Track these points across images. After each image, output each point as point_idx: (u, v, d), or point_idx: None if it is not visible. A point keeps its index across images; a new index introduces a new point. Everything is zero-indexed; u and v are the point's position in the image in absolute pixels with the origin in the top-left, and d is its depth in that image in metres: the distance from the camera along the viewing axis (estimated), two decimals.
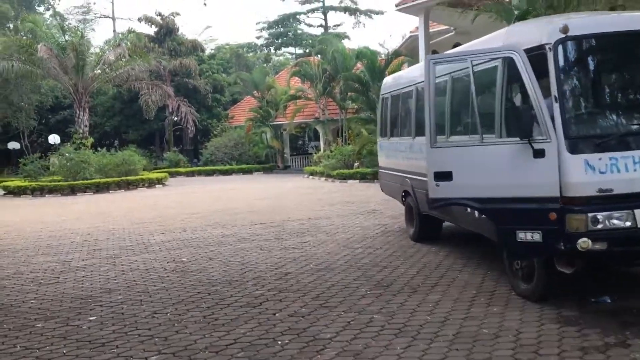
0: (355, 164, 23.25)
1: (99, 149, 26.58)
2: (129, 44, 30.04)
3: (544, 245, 4.88)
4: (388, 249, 8.50)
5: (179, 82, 35.52)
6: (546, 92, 4.90)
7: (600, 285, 5.86)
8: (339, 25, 55.53)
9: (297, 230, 10.70)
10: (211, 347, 4.72)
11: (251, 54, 54.79)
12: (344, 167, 23.25)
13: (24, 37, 29.24)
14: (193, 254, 8.85)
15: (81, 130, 27.60)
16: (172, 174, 30.08)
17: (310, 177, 25.67)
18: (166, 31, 37.43)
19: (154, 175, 26.20)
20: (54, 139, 30.04)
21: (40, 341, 5.13)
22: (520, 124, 4.75)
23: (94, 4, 65.92)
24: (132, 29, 33.46)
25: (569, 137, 4.71)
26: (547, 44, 4.91)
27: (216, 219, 12.88)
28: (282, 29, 54.11)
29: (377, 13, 52.50)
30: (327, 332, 4.93)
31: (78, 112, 28.37)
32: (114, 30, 44.63)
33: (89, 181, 23.01)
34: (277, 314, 5.51)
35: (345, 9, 52.38)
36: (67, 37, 28.43)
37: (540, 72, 4.91)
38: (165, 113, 35.43)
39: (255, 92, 33.14)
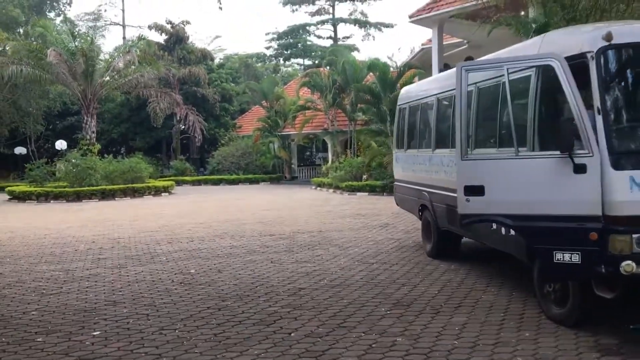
0: (364, 177, 22.93)
1: (105, 155, 26.33)
2: (138, 51, 29.86)
3: (583, 268, 4.54)
4: (404, 265, 8.15)
5: (187, 91, 35.39)
6: (586, 103, 4.59)
7: (636, 310, 5.48)
8: (348, 37, 55.62)
9: (308, 243, 10.37)
10: None
11: (260, 64, 54.76)
12: (352, 179, 22.93)
13: (34, 42, 29.11)
14: (201, 266, 8.52)
15: (88, 137, 27.39)
16: (178, 183, 29.80)
17: (318, 188, 25.35)
18: (176, 39, 37.37)
19: (160, 183, 25.93)
20: (60, 144, 29.86)
21: (40, 357, 4.80)
22: (561, 136, 4.43)
23: (105, 11, 66.49)
24: (142, 35, 33.42)
25: (613, 151, 4.39)
26: (589, 52, 4.61)
27: (224, 230, 12.56)
28: (291, 40, 54.04)
29: (387, 26, 52.41)
30: (348, 356, 4.58)
31: (86, 118, 28.18)
32: (124, 38, 44.65)
33: (94, 188, 22.75)
34: (292, 334, 5.17)
35: (356, 22, 52.28)
36: (77, 43, 28.30)
37: (580, 82, 4.60)
38: (172, 121, 35.26)
39: (263, 102, 32.94)
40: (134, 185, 23.99)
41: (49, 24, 30.28)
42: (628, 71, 4.84)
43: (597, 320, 5.11)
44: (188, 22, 38.42)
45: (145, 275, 7.96)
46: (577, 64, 4.68)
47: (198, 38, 71.82)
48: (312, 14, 52.64)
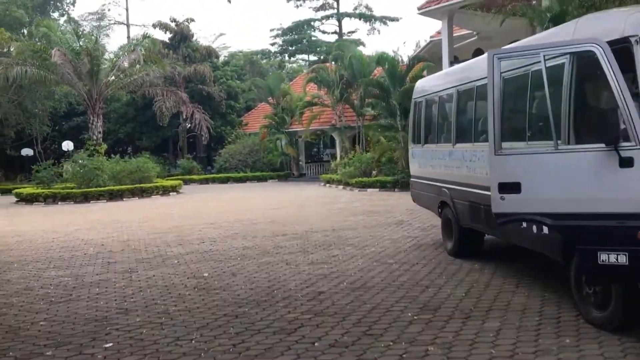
0: (374, 172, 22.59)
1: (112, 155, 26.08)
2: (143, 50, 29.57)
3: (631, 269, 4.20)
4: (426, 265, 7.83)
5: (193, 89, 35.11)
6: (630, 91, 4.24)
7: None
8: (353, 32, 54.83)
9: (322, 243, 10.06)
10: None
11: (265, 60, 54.35)
12: (362, 175, 22.59)
13: (38, 43, 28.87)
14: (214, 269, 8.23)
15: (95, 137, 27.19)
16: (186, 182, 29.56)
17: (327, 185, 25.03)
18: (180, 37, 37.08)
19: (168, 182, 25.68)
20: (67, 145, 29.68)
21: None
22: (606, 128, 4.08)
23: (109, 10, 66.24)
24: (147, 34, 33.08)
25: None
26: (632, 35, 4.27)
27: (235, 230, 12.27)
28: (296, 36, 53.58)
29: (393, 20, 51.80)
30: None
31: (92, 118, 27.96)
32: (128, 37, 44.36)
33: (102, 188, 22.54)
34: (316, 343, 4.86)
35: (361, 16, 51.71)
36: (81, 43, 28.06)
37: (622, 68, 4.26)
38: (179, 120, 35.00)
39: (270, 98, 32.61)
40: (141, 185, 23.77)
41: (53, 24, 30.08)
42: None
43: (638, 324, 4.77)
44: (192, 20, 38.12)
45: (157, 280, 7.68)
46: (619, 49, 4.34)
47: (202, 36, 71.59)
48: (317, 9, 52.07)
